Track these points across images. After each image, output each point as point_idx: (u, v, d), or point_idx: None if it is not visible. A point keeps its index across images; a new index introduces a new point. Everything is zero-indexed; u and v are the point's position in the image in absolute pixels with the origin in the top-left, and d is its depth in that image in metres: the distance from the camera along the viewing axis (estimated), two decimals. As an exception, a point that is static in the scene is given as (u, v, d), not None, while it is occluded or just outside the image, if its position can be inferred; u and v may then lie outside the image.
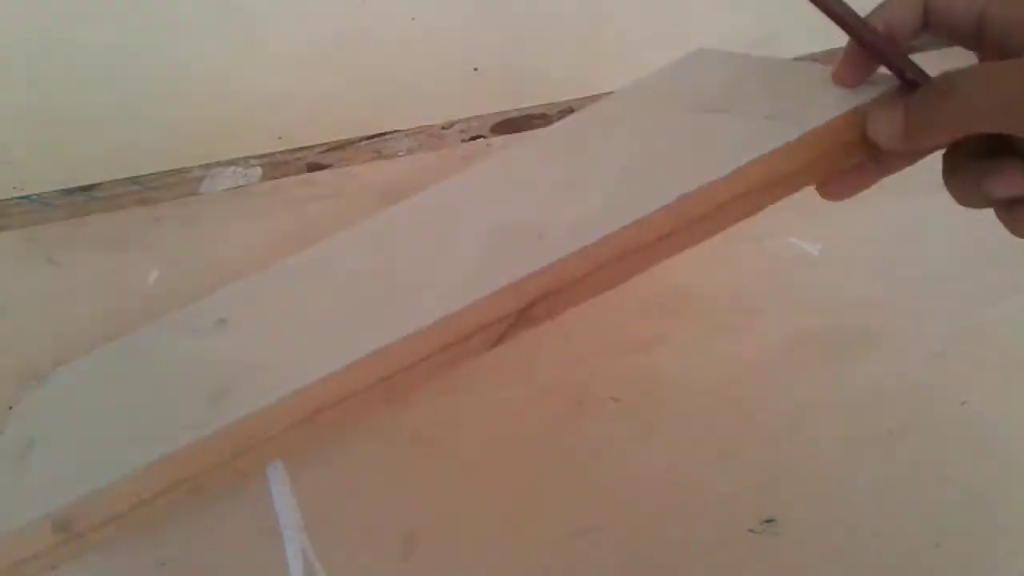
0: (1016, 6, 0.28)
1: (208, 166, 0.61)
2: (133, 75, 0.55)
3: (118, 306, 0.46)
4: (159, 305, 0.46)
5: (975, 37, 0.30)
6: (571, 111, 0.69)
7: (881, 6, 0.31)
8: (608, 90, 0.71)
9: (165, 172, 0.60)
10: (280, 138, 0.63)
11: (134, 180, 0.59)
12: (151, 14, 0.54)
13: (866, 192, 0.53)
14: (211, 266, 0.49)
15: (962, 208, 0.29)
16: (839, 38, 0.30)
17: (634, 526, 0.35)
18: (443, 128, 0.67)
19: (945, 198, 0.29)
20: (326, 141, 0.64)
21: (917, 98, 0.29)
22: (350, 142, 0.64)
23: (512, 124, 0.67)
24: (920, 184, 0.55)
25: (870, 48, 0.31)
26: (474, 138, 0.65)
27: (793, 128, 0.32)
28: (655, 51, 0.72)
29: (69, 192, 0.57)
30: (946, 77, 0.28)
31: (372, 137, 0.65)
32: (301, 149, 0.63)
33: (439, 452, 0.38)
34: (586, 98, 0.70)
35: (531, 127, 0.67)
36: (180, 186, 0.59)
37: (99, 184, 0.58)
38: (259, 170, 0.61)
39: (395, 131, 0.66)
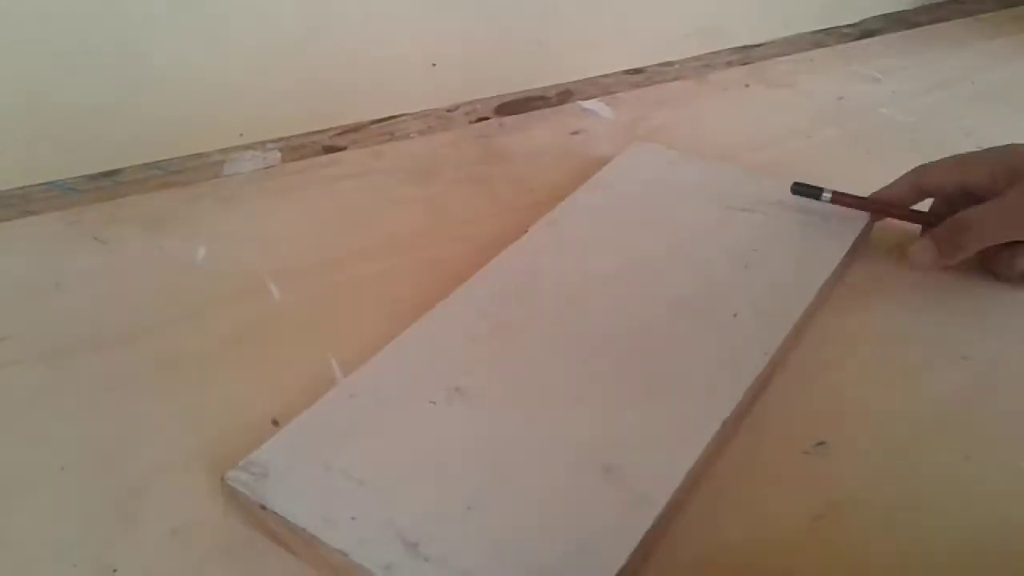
0: (985, 176, 0.45)
1: (227, 150, 0.62)
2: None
3: (172, 280, 0.48)
4: (213, 279, 0.48)
5: (960, 196, 0.46)
6: (569, 93, 0.72)
7: (886, 189, 0.50)
8: (604, 72, 0.75)
9: (185, 157, 0.61)
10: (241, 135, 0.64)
11: (155, 165, 0.60)
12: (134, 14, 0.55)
13: (865, 191, 0.57)
14: (258, 241, 0.51)
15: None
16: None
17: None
18: (448, 111, 0.69)
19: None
20: (337, 125, 0.66)
21: (942, 233, 0.45)
22: (361, 125, 0.66)
23: (514, 106, 0.70)
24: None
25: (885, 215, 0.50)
26: (480, 119, 0.68)
27: (845, 235, 0.48)
28: (653, 33, 0.76)
29: (93, 178, 0.58)
30: (963, 215, 0.44)
31: (381, 120, 0.67)
32: (315, 133, 0.65)
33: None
34: (581, 80, 0.74)
35: (532, 108, 0.70)
36: (202, 170, 0.60)
37: (122, 169, 0.59)
38: (278, 153, 0.62)
39: (403, 114, 0.68)
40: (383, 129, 0.66)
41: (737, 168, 0.56)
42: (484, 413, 0.38)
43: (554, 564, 0.31)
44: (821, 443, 0.39)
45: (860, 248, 0.49)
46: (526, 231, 0.49)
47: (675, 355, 0.41)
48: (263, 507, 0.33)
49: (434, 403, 0.38)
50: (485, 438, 0.36)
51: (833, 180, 0.50)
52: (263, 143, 0.63)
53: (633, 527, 0.32)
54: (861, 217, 0.49)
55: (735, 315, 0.42)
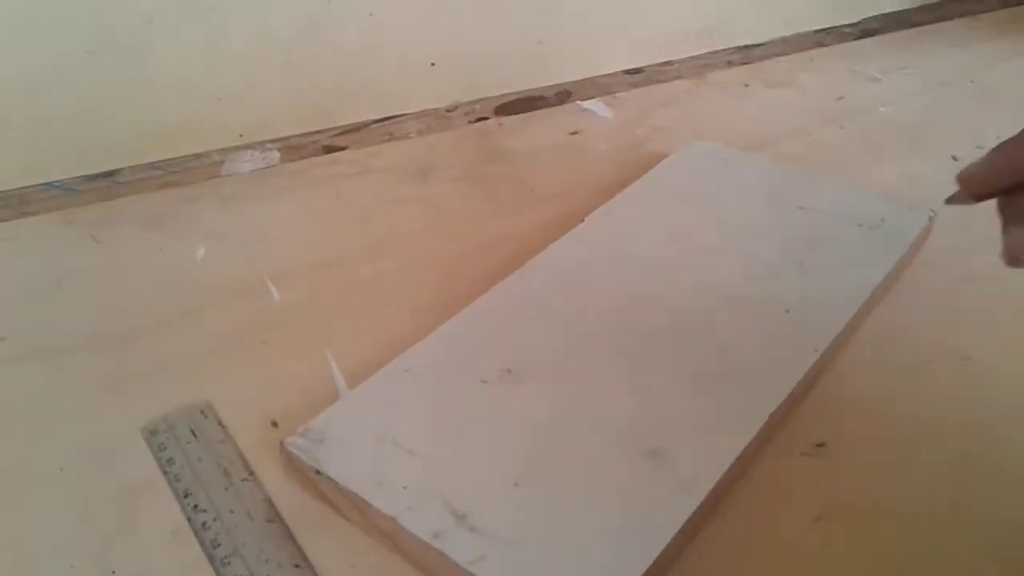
0: None
1: (226, 150, 0.62)
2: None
3: (171, 281, 0.48)
4: (212, 279, 0.48)
5: None
6: (568, 93, 0.72)
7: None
8: (603, 72, 0.75)
9: (184, 157, 0.61)
10: (241, 135, 0.64)
11: (154, 165, 0.60)
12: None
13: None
14: (257, 241, 0.51)
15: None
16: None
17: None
18: (447, 111, 0.69)
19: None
20: (336, 125, 0.66)
21: None
22: (362, 124, 0.66)
23: (513, 106, 0.70)
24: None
25: None
26: (480, 119, 0.68)
27: (901, 239, 0.48)
28: (652, 32, 0.76)
29: (91, 178, 0.58)
30: None
31: (381, 120, 0.67)
32: (314, 133, 0.65)
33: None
34: (581, 80, 0.74)
35: (531, 108, 0.69)
36: (201, 170, 0.60)
37: (120, 169, 0.59)
38: (277, 153, 0.62)
39: (403, 114, 0.68)
40: (382, 129, 0.66)
41: (796, 168, 0.56)
42: (534, 394, 0.38)
43: (598, 543, 0.32)
44: (820, 444, 0.39)
45: (917, 252, 0.50)
46: (583, 219, 0.50)
47: (725, 347, 0.41)
48: (318, 472, 0.34)
49: (486, 382, 0.39)
50: (534, 418, 0.37)
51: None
52: (262, 143, 0.63)
53: (677, 511, 0.33)
54: (919, 220, 0.49)
55: (787, 311, 0.43)
